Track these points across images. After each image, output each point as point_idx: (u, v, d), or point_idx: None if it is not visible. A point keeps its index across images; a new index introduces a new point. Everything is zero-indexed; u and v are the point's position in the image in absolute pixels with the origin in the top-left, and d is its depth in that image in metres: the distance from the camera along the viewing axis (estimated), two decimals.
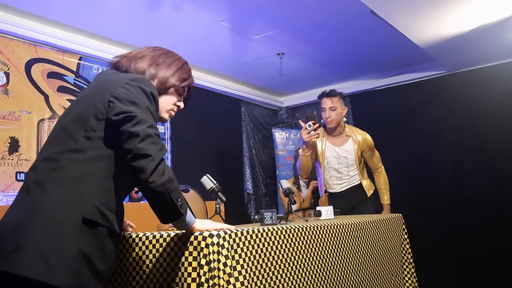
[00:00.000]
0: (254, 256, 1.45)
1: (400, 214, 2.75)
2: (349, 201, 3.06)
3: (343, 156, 3.05)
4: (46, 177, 1.20)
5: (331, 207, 2.40)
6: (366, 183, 3.14)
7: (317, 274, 1.75)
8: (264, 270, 1.48)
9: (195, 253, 1.34)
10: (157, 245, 1.46)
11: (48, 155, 1.24)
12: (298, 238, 1.68)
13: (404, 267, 2.65)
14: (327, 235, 1.87)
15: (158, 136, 1.24)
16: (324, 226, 1.87)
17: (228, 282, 1.28)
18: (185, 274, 1.34)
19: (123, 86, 1.27)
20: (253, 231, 1.48)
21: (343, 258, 1.96)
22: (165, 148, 1.24)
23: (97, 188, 1.23)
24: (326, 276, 1.81)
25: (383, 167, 3.24)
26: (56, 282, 1.10)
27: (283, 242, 1.60)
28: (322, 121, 2.96)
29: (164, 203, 1.22)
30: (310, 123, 2.64)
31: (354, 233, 2.11)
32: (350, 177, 3.11)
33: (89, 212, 1.19)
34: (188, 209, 1.30)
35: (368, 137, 3.12)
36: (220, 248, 1.31)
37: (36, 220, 1.14)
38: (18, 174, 3.13)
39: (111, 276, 1.52)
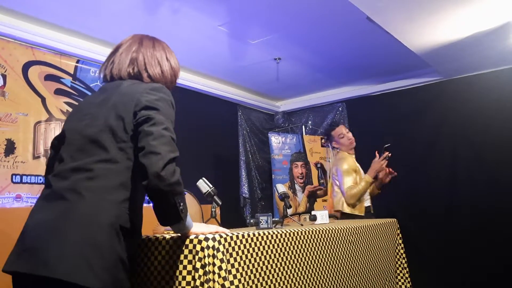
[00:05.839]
0: (249, 260, 1.46)
1: (395, 219, 2.77)
2: None
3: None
4: (82, 186, 1.26)
5: (326, 212, 2.42)
6: None
7: (311, 278, 1.76)
8: (259, 274, 1.49)
9: (190, 257, 1.34)
10: (152, 248, 1.46)
11: (79, 165, 1.29)
12: (293, 242, 1.69)
13: (398, 271, 2.66)
14: (322, 239, 1.88)
15: (174, 140, 1.29)
16: (319, 231, 1.88)
17: (223, 286, 1.28)
18: (180, 278, 1.35)
19: (143, 95, 1.34)
20: (249, 235, 1.48)
21: (337, 262, 1.97)
22: (177, 152, 1.29)
23: (128, 198, 1.31)
24: (321, 280, 1.82)
25: None
26: (101, 287, 1.17)
27: (278, 246, 1.61)
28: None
29: (167, 205, 1.25)
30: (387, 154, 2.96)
31: (348, 238, 2.12)
32: None
33: (124, 220, 1.28)
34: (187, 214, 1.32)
35: None
36: (215, 252, 1.31)
37: (76, 226, 1.20)
38: (13, 176, 3.12)
39: None
